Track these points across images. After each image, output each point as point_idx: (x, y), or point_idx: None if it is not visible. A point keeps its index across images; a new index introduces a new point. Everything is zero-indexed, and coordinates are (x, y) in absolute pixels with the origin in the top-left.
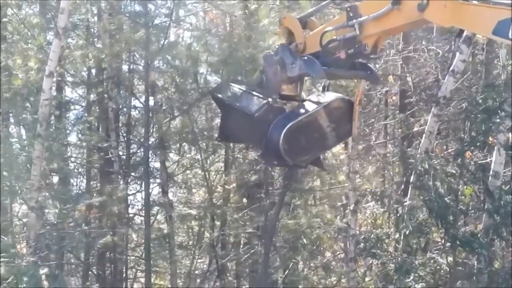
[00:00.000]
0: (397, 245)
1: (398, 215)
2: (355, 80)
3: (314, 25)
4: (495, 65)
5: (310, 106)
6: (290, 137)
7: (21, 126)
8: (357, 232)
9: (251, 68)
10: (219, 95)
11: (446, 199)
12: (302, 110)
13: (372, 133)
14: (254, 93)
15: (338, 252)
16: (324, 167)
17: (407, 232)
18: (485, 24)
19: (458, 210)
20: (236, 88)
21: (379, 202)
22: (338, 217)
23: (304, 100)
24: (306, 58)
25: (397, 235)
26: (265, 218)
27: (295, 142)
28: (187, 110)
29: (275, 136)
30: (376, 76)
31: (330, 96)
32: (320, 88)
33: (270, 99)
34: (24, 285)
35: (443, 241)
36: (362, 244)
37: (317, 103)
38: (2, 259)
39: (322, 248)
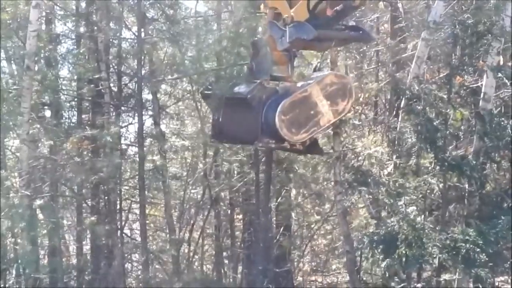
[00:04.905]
0: (387, 170)
1: (389, 139)
2: None
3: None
4: None
5: (303, 84)
6: (286, 114)
7: (12, 61)
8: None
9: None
10: (209, 91)
11: (435, 123)
12: (295, 88)
13: (364, 60)
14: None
15: (331, 180)
16: (323, 152)
17: (398, 158)
18: None
19: (448, 134)
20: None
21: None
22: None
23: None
24: (294, 24)
25: (389, 160)
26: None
27: (291, 118)
28: (178, 41)
29: (271, 114)
30: (369, 35)
31: (322, 73)
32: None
33: (261, 80)
34: (19, 217)
35: (433, 165)
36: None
37: (310, 79)
38: None
39: (315, 176)
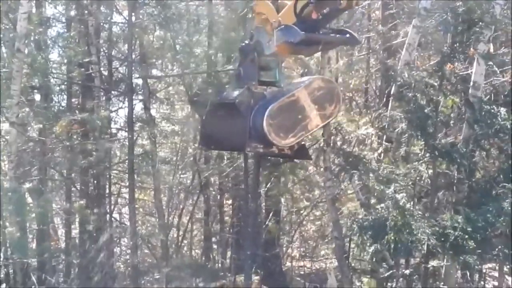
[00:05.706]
0: (378, 156)
1: (379, 126)
2: None
3: (285, 6)
4: None
5: (290, 88)
6: (274, 118)
7: (1, 44)
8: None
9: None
10: (197, 97)
11: (425, 110)
12: (283, 93)
13: (355, 47)
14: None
15: (321, 166)
16: (311, 157)
17: (389, 143)
18: None
19: (438, 121)
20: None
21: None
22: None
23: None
24: (281, 27)
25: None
26: None
27: (279, 123)
28: (168, 25)
29: (259, 118)
30: (356, 38)
31: (310, 78)
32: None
33: (249, 85)
34: (7, 200)
35: (423, 152)
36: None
37: (298, 84)
38: None
39: (305, 162)
